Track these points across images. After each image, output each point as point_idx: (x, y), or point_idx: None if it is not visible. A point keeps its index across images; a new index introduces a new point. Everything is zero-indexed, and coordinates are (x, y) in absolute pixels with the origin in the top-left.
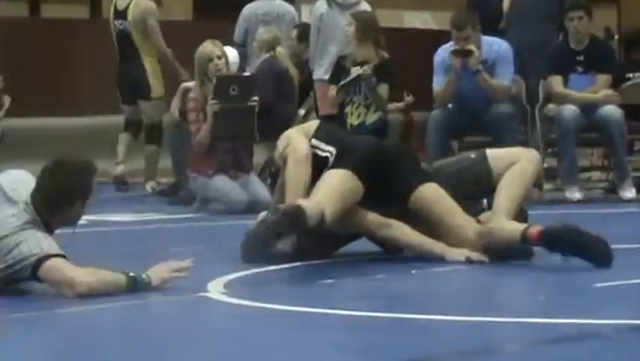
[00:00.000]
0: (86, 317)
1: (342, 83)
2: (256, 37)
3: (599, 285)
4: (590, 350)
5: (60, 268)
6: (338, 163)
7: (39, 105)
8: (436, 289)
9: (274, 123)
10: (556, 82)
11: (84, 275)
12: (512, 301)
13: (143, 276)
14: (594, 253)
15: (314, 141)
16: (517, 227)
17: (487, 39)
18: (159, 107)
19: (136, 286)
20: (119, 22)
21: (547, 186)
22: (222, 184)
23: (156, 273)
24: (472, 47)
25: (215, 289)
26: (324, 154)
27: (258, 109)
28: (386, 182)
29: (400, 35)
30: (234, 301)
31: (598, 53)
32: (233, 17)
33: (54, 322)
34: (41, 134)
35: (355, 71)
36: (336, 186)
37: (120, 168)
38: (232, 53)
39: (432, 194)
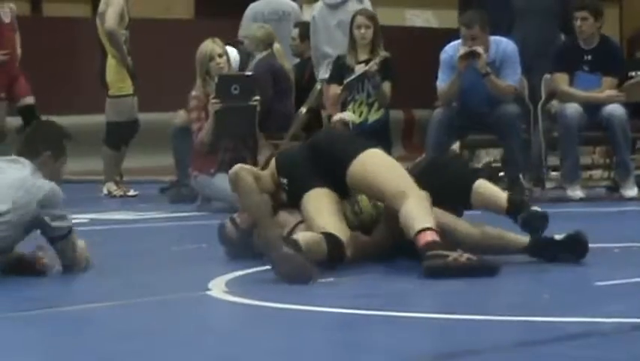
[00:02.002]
0: (87, 316)
1: (347, 80)
2: (249, 36)
3: (600, 283)
4: (592, 349)
5: None
6: (297, 191)
7: (40, 103)
8: (436, 288)
9: (274, 121)
10: (561, 80)
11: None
12: (513, 300)
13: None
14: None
15: (280, 179)
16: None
17: (493, 39)
18: (117, 107)
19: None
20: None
21: (549, 184)
22: (224, 183)
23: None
24: (479, 49)
25: (217, 288)
26: (286, 188)
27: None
28: (337, 172)
29: (401, 34)
30: (236, 299)
31: (606, 54)
32: (235, 16)
33: (54, 321)
34: None
35: (360, 69)
36: (326, 208)
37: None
38: (233, 53)
39: (360, 168)
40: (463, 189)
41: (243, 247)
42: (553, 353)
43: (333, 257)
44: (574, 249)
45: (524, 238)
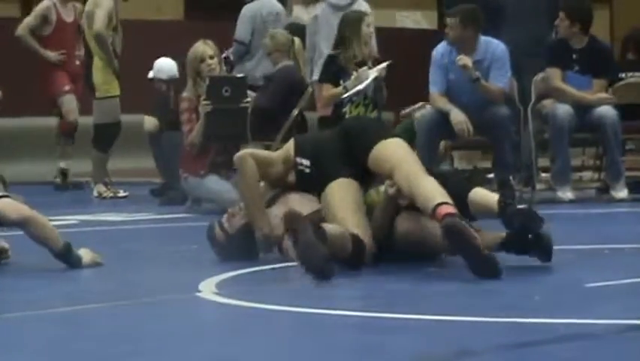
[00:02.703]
0: (77, 317)
1: (359, 87)
2: (266, 42)
3: (590, 285)
4: (582, 350)
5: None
6: (321, 176)
7: (29, 105)
8: (432, 290)
9: (270, 125)
10: (555, 75)
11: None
12: (505, 301)
13: (78, 252)
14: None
15: (298, 159)
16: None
17: (483, 39)
18: (104, 108)
19: (69, 254)
20: (83, 21)
21: (539, 185)
22: (214, 184)
23: (86, 255)
24: (465, 60)
25: (208, 289)
26: (307, 170)
27: (255, 109)
28: (362, 158)
29: (392, 35)
30: (227, 301)
31: (595, 55)
32: (225, 17)
33: (44, 322)
34: (32, 134)
35: (370, 73)
36: (352, 203)
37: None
38: (167, 64)
39: (381, 153)
40: (461, 204)
41: (232, 250)
42: (543, 354)
43: (354, 261)
44: (538, 250)
45: (501, 234)
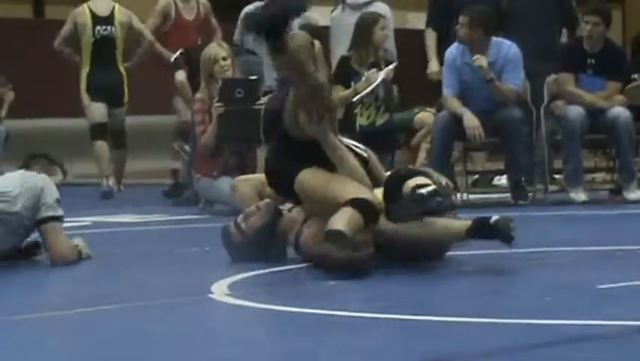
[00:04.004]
0: (89, 319)
1: (369, 88)
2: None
3: (602, 286)
4: (594, 352)
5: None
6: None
7: (41, 106)
8: (439, 291)
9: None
10: (567, 80)
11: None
12: (516, 302)
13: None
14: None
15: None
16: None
17: (496, 40)
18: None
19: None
20: (103, 27)
21: (551, 187)
22: (227, 186)
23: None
24: (481, 60)
25: (220, 291)
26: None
27: (268, 111)
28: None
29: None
30: (239, 302)
31: (610, 58)
32: (225, 18)
33: (55, 324)
34: (43, 136)
35: (380, 74)
36: (331, 176)
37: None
38: None
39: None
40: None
41: (247, 251)
42: (554, 356)
43: (371, 221)
44: (500, 234)
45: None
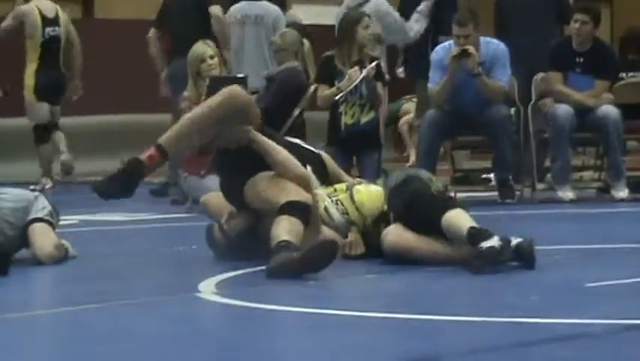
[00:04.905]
0: (77, 317)
1: (345, 88)
2: (276, 39)
3: (590, 285)
4: (581, 350)
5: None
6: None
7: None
8: (431, 289)
9: (270, 125)
10: (556, 78)
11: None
12: (503, 300)
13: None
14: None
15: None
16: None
17: (484, 39)
18: None
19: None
20: (51, 28)
21: (539, 185)
22: (214, 184)
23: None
24: (471, 49)
25: (208, 290)
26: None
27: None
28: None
29: None
30: (226, 301)
31: (599, 57)
32: None
33: (43, 323)
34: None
35: (355, 73)
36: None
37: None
38: None
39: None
40: (433, 226)
41: (231, 251)
42: (542, 354)
43: (308, 221)
44: (521, 258)
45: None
